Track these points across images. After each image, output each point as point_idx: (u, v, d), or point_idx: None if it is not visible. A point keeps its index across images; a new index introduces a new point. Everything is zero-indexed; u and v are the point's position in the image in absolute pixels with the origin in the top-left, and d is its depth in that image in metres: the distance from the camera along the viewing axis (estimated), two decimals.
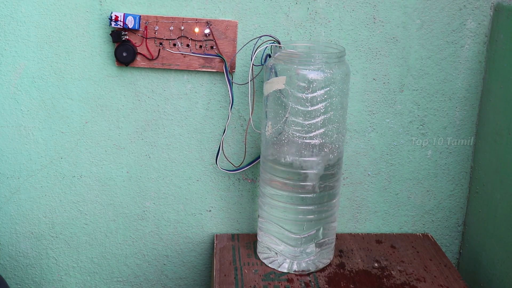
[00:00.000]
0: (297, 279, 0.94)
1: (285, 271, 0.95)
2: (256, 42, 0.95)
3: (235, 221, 1.09)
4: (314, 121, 0.88)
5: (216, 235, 1.07)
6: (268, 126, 0.91)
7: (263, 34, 0.96)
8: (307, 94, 0.87)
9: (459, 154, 1.08)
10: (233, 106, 1.00)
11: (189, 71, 1.00)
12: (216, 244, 1.04)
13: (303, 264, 0.95)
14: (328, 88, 0.87)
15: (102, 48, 0.99)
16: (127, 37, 0.97)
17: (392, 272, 0.97)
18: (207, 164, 1.06)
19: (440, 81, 1.04)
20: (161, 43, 0.97)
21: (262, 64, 0.95)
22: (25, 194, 1.05)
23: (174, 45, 0.97)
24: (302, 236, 0.93)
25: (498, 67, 0.99)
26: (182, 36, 0.97)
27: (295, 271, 0.95)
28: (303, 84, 0.87)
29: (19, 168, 1.04)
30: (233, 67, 0.99)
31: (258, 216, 0.98)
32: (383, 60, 1.02)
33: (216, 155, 1.02)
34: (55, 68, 0.99)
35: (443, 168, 1.09)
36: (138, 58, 0.98)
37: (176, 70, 1.00)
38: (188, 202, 1.08)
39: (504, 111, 0.97)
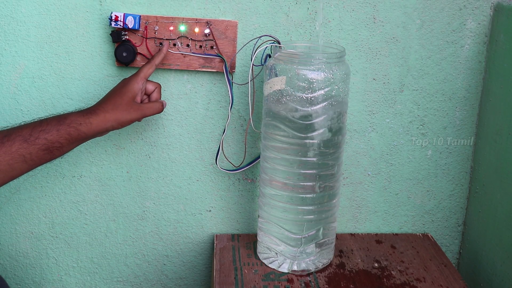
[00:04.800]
0: (297, 279, 0.94)
1: (285, 271, 0.95)
2: (256, 42, 0.95)
3: (235, 221, 1.09)
4: (314, 121, 0.88)
5: (216, 235, 1.07)
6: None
7: (263, 34, 0.96)
8: (307, 94, 0.87)
9: (459, 154, 1.08)
10: (233, 106, 1.00)
11: (189, 71, 1.00)
12: (216, 244, 1.04)
13: (303, 264, 0.95)
14: (328, 88, 0.87)
15: (102, 48, 0.99)
16: (127, 37, 0.97)
17: (392, 272, 0.97)
18: (207, 164, 1.06)
19: (440, 81, 1.04)
20: (161, 43, 0.97)
21: (262, 64, 0.95)
22: (25, 194, 1.05)
23: (174, 45, 0.97)
24: (302, 236, 0.93)
25: (498, 67, 0.99)
26: (182, 36, 0.97)
27: (295, 271, 0.95)
28: (303, 84, 0.87)
29: None
30: (233, 67, 0.99)
31: (258, 216, 0.98)
32: (383, 60, 1.02)
33: (216, 155, 1.02)
34: (55, 68, 0.99)
35: (443, 168, 1.09)
36: (138, 58, 0.98)
37: (176, 70, 1.00)
38: (188, 202, 1.08)
39: (504, 111, 0.97)
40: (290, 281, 0.93)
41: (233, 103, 1.00)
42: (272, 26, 0.99)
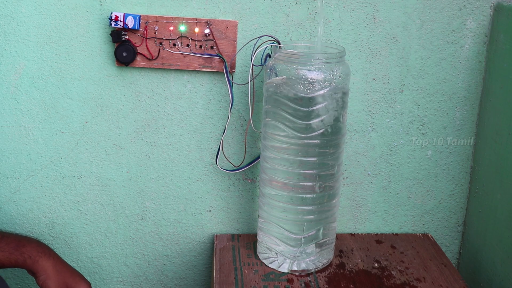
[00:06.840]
0: (297, 279, 0.94)
1: (285, 271, 0.95)
2: (256, 42, 0.95)
3: (235, 221, 1.09)
4: (313, 121, 0.88)
5: (216, 235, 1.07)
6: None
7: (263, 34, 0.96)
8: (307, 94, 0.87)
9: (459, 154, 1.08)
10: (233, 106, 1.00)
11: (189, 71, 1.00)
12: (216, 244, 1.04)
13: (303, 264, 0.95)
14: (328, 88, 0.87)
15: (102, 48, 0.99)
16: (127, 37, 0.97)
17: (392, 272, 0.97)
18: (207, 164, 1.06)
19: (440, 81, 1.04)
20: (161, 43, 0.97)
21: (262, 64, 0.95)
22: (25, 194, 1.05)
23: (174, 45, 0.97)
24: (302, 236, 0.93)
25: (498, 67, 0.99)
26: (182, 36, 0.97)
27: (295, 271, 0.95)
28: (303, 84, 0.87)
29: (19, 168, 1.04)
30: (233, 67, 0.99)
31: (258, 216, 0.98)
32: (383, 60, 1.02)
33: (216, 155, 1.02)
34: (55, 68, 0.99)
35: (443, 168, 1.09)
36: (138, 58, 0.98)
37: (176, 70, 1.00)
38: (188, 202, 1.08)
39: (504, 111, 0.97)
40: (290, 281, 0.93)
41: (233, 103, 1.00)
42: (272, 26, 0.99)
